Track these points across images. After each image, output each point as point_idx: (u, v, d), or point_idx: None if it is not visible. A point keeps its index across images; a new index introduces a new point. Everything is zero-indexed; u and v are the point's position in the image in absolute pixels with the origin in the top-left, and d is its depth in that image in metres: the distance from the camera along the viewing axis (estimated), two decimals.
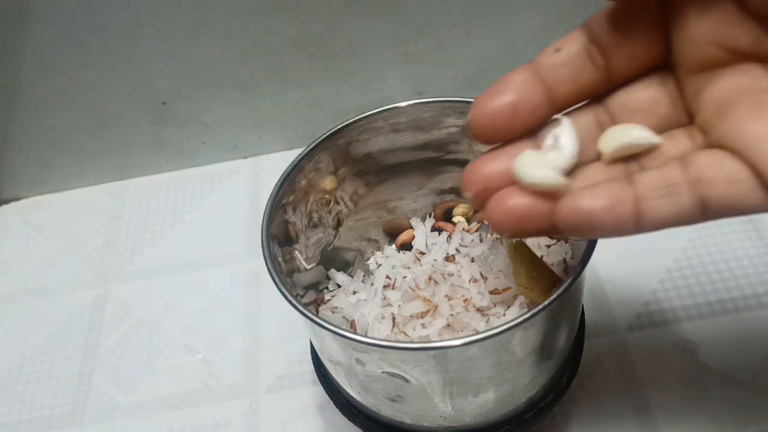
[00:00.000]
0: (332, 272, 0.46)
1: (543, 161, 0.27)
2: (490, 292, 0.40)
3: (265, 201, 0.40)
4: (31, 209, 0.63)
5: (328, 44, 0.56)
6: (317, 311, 0.44)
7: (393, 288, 0.43)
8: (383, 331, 0.40)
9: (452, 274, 0.42)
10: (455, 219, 0.48)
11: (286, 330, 0.51)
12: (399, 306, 0.41)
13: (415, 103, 0.43)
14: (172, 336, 0.52)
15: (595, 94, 0.28)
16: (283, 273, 0.40)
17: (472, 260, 0.43)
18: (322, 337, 0.37)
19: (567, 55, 0.28)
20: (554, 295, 0.33)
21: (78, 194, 0.64)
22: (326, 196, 0.45)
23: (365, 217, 0.48)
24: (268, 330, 0.52)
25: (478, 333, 0.32)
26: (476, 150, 0.45)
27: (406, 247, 0.49)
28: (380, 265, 0.47)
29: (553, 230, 0.27)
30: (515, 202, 0.27)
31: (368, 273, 0.48)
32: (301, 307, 0.35)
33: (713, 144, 0.25)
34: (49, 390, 0.51)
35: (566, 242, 0.44)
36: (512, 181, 0.27)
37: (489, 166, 0.28)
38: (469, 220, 0.48)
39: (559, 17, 0.55)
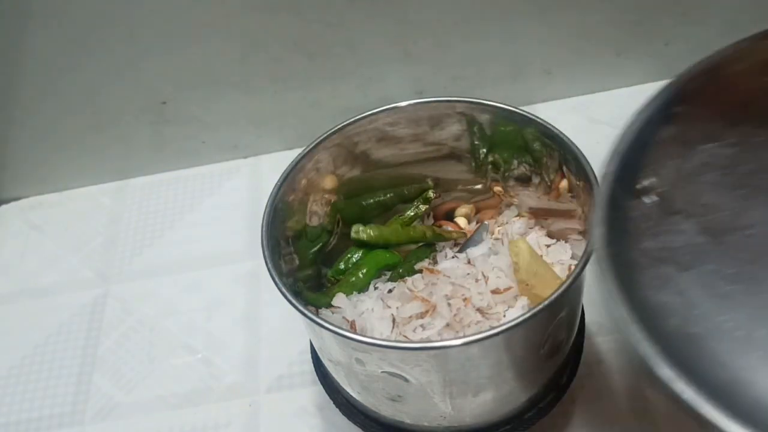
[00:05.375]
0: None
1: None
2: (492, 292, 0.40)
3: (265, 201, 0.40)
4: (31, 209, 0.63)
5: (328, 44, 0.56)
6: (317, 311, 0.44)
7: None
8: (383, 332, 0.40)
9: (449, 276, 0.41)
10: (457, 219, 0.48)
11: (286, 330, 0.51)
12: (398, 307, 0.41)
13: (415, 103, 0.43)
14: (172, 336, 0.52)
15: None
16: (283, 273, 0.40)
17: (469, 261, 0.43)
18: (322, 337, 0.37)
19: None
20: (554, 294, 0.33)
21: (78, 194, 0.64)
22: (326, 196, 0.45)
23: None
24: (268, 330, 0.52)
25: (478, 333, 0.32)
26: (476, 150, 0.45)
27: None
28: None
29: None
30: None
31: None
32: (301, 307, 0.35)
33: None
34: (49, 390, 0.51)
35: (566, 242, 0.44)
36: None
37: None
38: (470, 221, 0.48)
39: (558, 17, 0.55)
